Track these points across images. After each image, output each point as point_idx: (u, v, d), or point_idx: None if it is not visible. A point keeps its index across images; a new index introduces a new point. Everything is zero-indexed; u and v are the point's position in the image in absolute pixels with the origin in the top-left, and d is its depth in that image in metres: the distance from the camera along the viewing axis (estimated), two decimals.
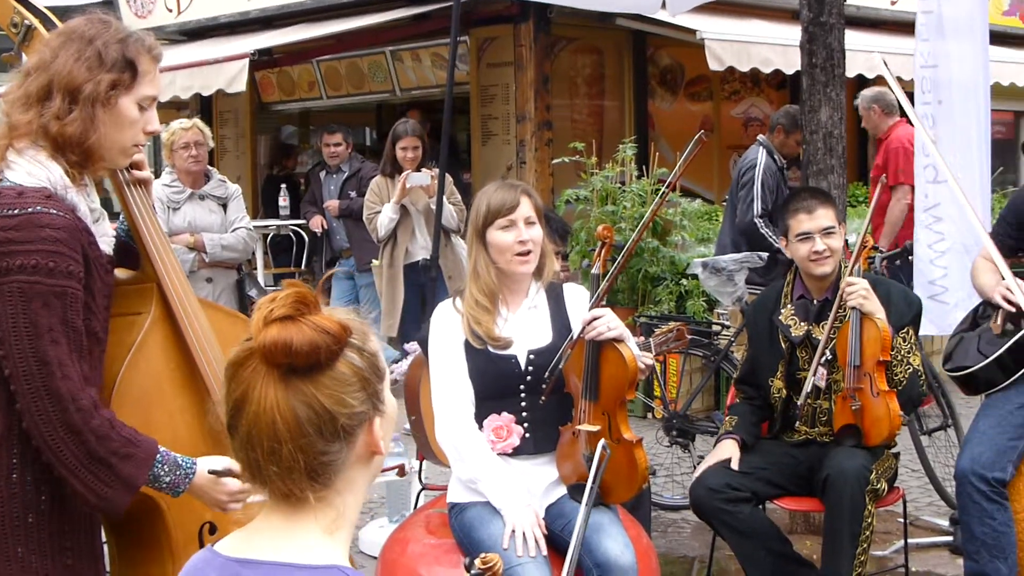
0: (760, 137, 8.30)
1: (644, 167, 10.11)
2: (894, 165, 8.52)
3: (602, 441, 3.67)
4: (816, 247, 5.00)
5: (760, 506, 5.09)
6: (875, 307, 4.86)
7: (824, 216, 5.01)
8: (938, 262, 6.66)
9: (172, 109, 13.73)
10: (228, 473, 3.01)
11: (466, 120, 12.74)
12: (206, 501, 3.06)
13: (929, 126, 6.51)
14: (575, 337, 4.15)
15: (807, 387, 4.97)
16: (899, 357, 4.91)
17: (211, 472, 3.01)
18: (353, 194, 10.04)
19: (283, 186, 12.90)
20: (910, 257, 7.52)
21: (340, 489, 1.87)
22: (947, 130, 6.68)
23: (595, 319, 4.10)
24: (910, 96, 6.24)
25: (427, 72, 12.89)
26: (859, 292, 4.84)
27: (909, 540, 5.82)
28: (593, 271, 4.27)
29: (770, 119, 8.54)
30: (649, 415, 8.90)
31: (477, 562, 2.45)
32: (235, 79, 11.62)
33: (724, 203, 9.78)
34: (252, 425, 1.80)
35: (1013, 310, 4.93)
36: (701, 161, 13.45)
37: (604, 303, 4.23)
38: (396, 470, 6.14)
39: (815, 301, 5.11)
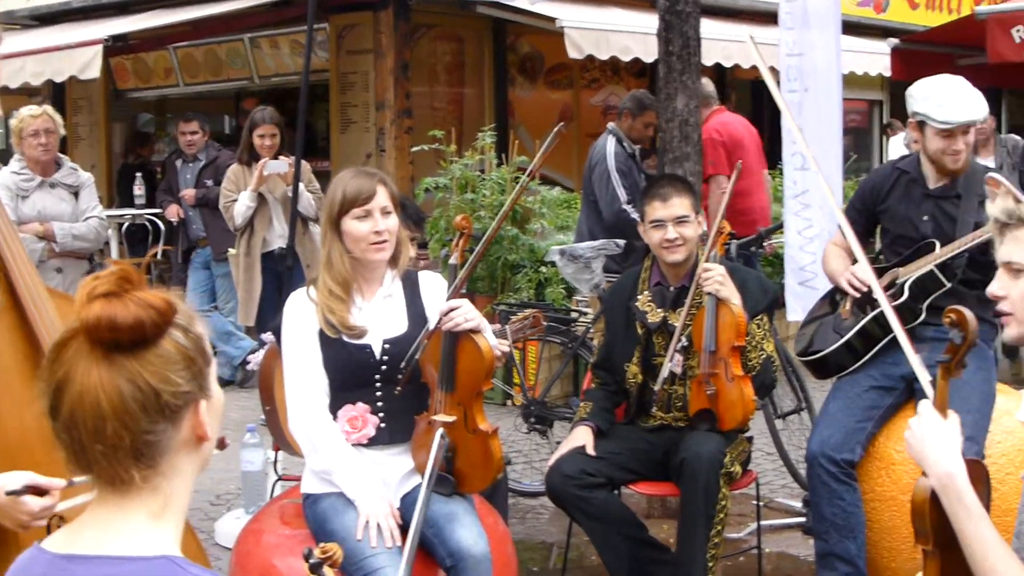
0: (609, 125, 8.32)
1: (504, 155, 10.10)
2: (705, 157, 8.61)
3: (440, 429, 3.65)
4: (668, 235, 5.02)
5: (615, 491, 5.09)
6: (731, 293, 4.89)
7: (679, 205, 5.03)
8: (807, 248, 6.75)
9: (23, 96, 13.35)
10: (27, 491, 2.88)
11: (325, 108, 12.61)
12: (7, 522, 2.92)
13: (796, 114, 6.59)
14: (431, 328, 4.11)
15: (663, 373, 4.99)
16: (753, 343, 4.95)
17: (9, 493, 2.87)
18: (210, 183, 9.88)
19: (138, 175, 12.65)
20: (764, 244, 7.62)
21: (166, 472, 1.84)
22: (813, 118, 6.77)
23: (452, 310, 4.06)
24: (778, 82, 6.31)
25: (286, 59, 12.73)
26: (715, 278, 4.87)
27: (763, 522, 5.91)
28: (451, 261, 4.23)
29: (620, 106, 8.55)
30: (508, 402, 8.90)
31: (316, 551, 2.42)
32: (88, 65, 11.36)
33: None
34: (75, 405, 1.76)
35: (859, 295, 5.01)
36: (560, 149, 13.38)
37: (463, 293, 4.20)
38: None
39: (672, 287, 5.13)
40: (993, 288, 2.70)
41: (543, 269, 9.29)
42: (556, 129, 4.35)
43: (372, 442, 4.12)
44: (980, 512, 2.59)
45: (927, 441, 2.68)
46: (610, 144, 8.06)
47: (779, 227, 8.13)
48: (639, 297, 5.16)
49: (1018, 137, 7.97)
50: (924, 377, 3.85)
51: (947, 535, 2.64)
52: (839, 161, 6.90)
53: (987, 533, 2.56)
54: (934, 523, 2.66)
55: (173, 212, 10.38)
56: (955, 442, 2.67)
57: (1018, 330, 2.67)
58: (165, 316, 1.80)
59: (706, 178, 8.25)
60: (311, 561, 2.22)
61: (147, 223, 12.26)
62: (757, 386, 4.96)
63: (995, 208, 2.67)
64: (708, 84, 8.70)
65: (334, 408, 4.13)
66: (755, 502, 5.56)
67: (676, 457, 4.84)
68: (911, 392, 4.92)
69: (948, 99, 4.89)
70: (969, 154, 5.04)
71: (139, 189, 12.27)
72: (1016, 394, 5.19)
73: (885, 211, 5.21)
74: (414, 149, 10.43)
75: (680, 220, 5.02)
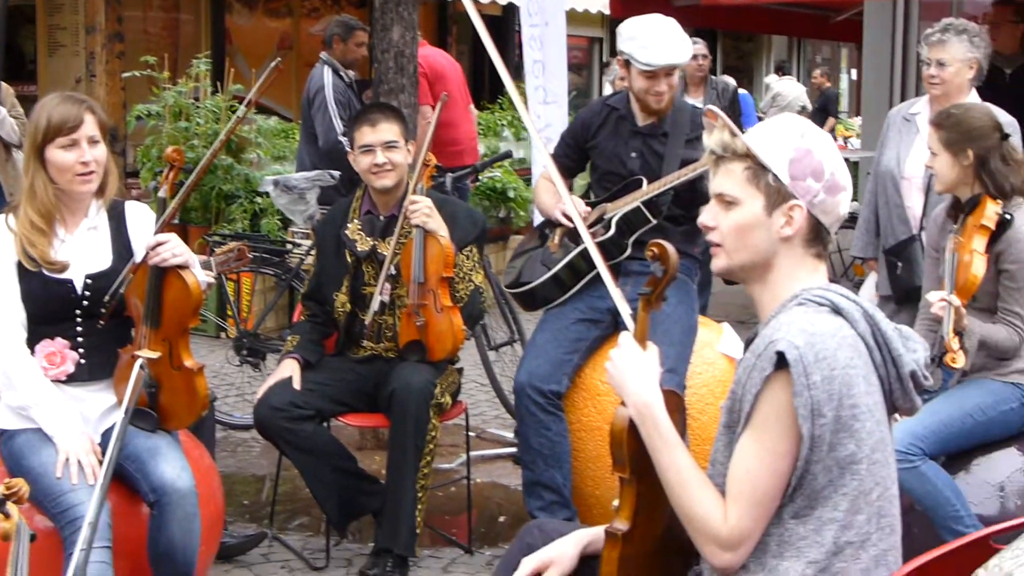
0: (322, 55, 8.17)
1: (219, 83, 9.83)
2: None
3: (139, 361, 3.54)
4: (376, 159, 4.97)
5: (325, 423, 5.04)
6: (437, 225, 4.89)
7: (387, 130, 4.99)
8: None
9: None
10: None
11: (33, 30, 11.98)
12: None
13: (537, 48, 6.60)
14: (137, 261, 3.95)
15: (373, 304, 4.97)
16: (462, 274, 4.97)
17: None
18: None
19: None
20: (479, 176, 7.66)
21: None
22: (554, 52, 6.80)
23: (160, 244, 3.91)
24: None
25: None
26: (422, 210, 4.86)
27: (474, 452, 5.95)
28: (160, 194, 4.05)
29: (324, 34, 8.41)
30: (222, 334, 8.71)
31: (0, 488, 2.32)
32: None
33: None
34: None
35: (571, 226, 5.08)
36: (279, 79, 13.14)
37: (173, 224, 4.05)
38: None
39: (381, 217, 5.09)
40: (704, 218, 2.73)
41: (258, 200, 9.11)
42: (273, 64, 4.25)
43: (71, 378, 3.96)
44: (676, 440, 2.64)
45: (626, 372, 2.72)
46: (327, 75, 7.93)
47: (498, 159, 8.19)
48: (349, 225, 5.10)
49: (730, 79, 8.19)
50: (624, 310, 3.92)
51: (644, 463, 2.67)
52: (565, 97, 6.98)
53: (682, 461, 2.62)
54: (631, 451, 2.69)
55: None
56: (653, 373, 2.71)
57: (726, 261, 2.71)
58: None
59: None
60: None
61: None
62: (466, 317, 4.98)
63: (711, 140, 2.69)
64: None
65: (32, 343, 3.94)
66: (467, 432, 5.59)
67: (386, 388, 4.82)
68: (617, 325, 4.98)
69: (653, 41, 4.94)
70: (673, 95, 5.13)
71: None
72: (717, 327, 5.35)
73: (595, 147, 5.25)
74: (126, 75, 10.02)
75: (389, 145, 4.98)
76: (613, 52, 17.49)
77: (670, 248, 2.73)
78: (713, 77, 7.83)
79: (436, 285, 4.89)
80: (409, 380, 4.77)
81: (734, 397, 2.60)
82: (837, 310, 2.57)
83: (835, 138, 4.59)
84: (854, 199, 3.84)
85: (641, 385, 2.69)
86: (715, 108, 2.75)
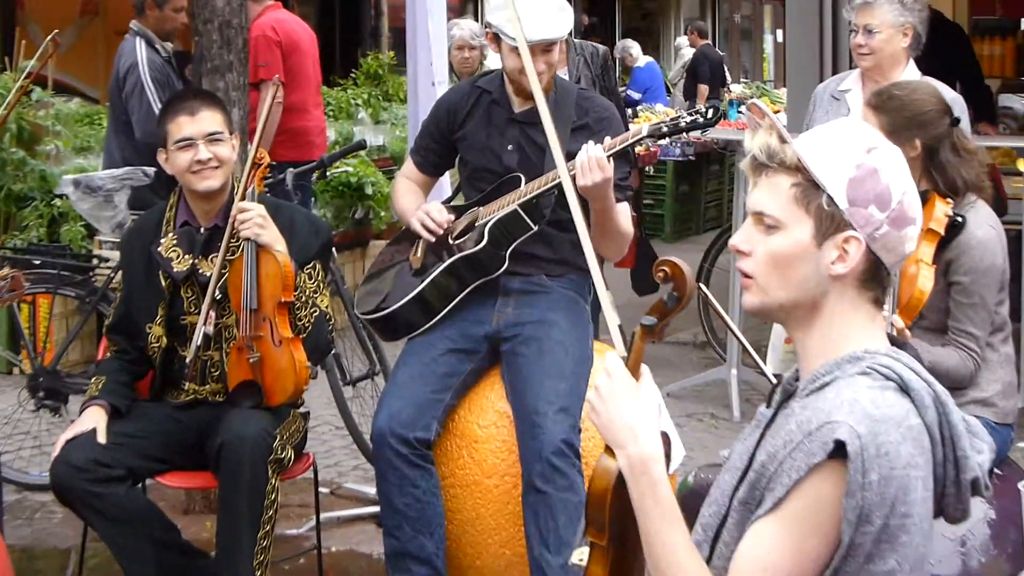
0: (133, 24, 8.02)
1: (7, 58, 9.75)
2: (255, 58, 8.47)
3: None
4: (199, 155, 4.91)
5: (139, 485, 4.97)
6: (273, 238, 4.85)
7: (210, 119, 4.95)
8: None
9: None
10: None
11: None
12: None
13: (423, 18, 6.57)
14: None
15: (197, 336, 4.91)
16: (304, 298, 4.93)
17: None
18: None
19: None
20: (327, 172, 7.57)
21: None
22: (436, 4, 6.75)
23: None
24: None
25: None
26: (253, 220, 4.81)
27: (328, 513, 5.89)
28: None
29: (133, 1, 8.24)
30: (14, 370, 8.54)
31: None
32: None
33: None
34: None
35: (432, 238, 5.01)
36: (82, 51, 12.98)
37: None
38: None
39: (202, 229, 5.03)
40: (737, 240, 2.62)
41: (57, 202, 8.97)
42: (48, 38, 4.10)
43: None
44: (672, 510, 2.54)
45: (620, 409, 2.60)
46: (140, 49, 7.79)
47: (351, 150, 8.10)
48: (162, 241, 5.02)
49: (598, 44, 8.14)
50: (614, 319, 3.68)
51: (625, 528, 2.60)
52: (445, 74, 6.91)
53: (677, 538, 2.53)
54: (614, 514, 2.60)
55: None
56: (652, 414, 2.61)
57: (759, 297, 2.59)
58: None
59: (255, 83, 8.08)
60: None
61: None
62: (310, 350, 4.94)
63: (754, 142, 2.59)
64: None
65: None
66: (316, 490, 5.49)
67: (214, 440, 4.74)
68: (495, 356, 5.00)
69: (526, 10, 4.87)
70: (553, 75, 5.08)
71: None
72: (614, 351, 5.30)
73: (464, 138, 5.22)
74: None
75: (212, 137, 4.92)
76: None
77: (686, 268, 2.65)
78: (577, 41, 7.75)
79: (273, 312, 4.84)
80: (241, 431, 4.69)
81: (762, 471, 2.49)
82: (905, 389, 2.49)
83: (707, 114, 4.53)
84: None
85: (639, 430, 2.58)
86: (761, 103, 2.65)
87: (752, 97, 18.12)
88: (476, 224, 5.03)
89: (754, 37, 30.79)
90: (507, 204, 4.96)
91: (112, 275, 6.88)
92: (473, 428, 5.00)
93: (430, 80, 6.72)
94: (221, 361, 4.98)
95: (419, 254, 5.15)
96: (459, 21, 9.18)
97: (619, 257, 5.41)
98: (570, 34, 5.37)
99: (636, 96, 18.09)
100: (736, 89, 19.17)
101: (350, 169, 10.63)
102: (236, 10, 6.21)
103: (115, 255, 7.40)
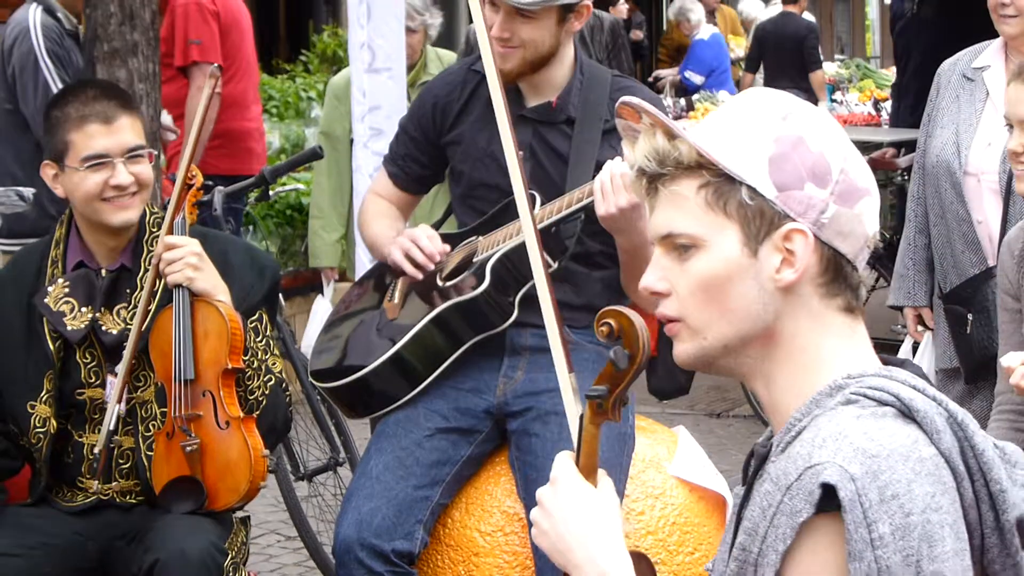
0: None
1: None
2: (182, 33, 8.56)
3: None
4: (118, 178, 4.94)
5: None
6: (212, 284, 4.91)
7: (129, 130, 4.99)
8: None
9: None
10: None
11: None
12: None
13: None
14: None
15: (109, 417, 4.93)
16: (255, 363, 4.98)
17: None
18: None
19: None
20: (271, 190, 7.63)
21: None
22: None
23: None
24: None
25: None
26: (185, 261, 4.86)
27: None
28: None
29: None
30: None
31: None
32: None
33: None
34: None
35: (419, 276, 5.05)
36: None
37: None
38: None
39: (103, 271, 5.06)
40: (648, 281, 2.67)
41: None
42: None
43: None
44: None
45: (569, 525, 2.69)
46: (35, 14, 7.87)
47: (303, 160, 8.17)
48: (49, 289, 5.05)
49: (602, 13, 8.17)
50: (575, 414, 3.64)
51: None
52: (401, 61, 7.00)
53: None
54: None
55: None
56: (612, 524, 2.69)
57: (695, 344, 2.64)
58: None
59: (183, 66, 8.20)
60: None
61: None
62: (265, 431, 4.98)
63: (636, 153, 2.65)
64: None
65: None
66: None
67: (139, 558, 4.76)
68: (501, 437, 5.06)
69: None
70: (540, 51, 5.04)
71: None
72: (667, 432, 5.38)
73: (456, 142, 5.26)
74: None
75: (134, 154, 4.97)
76: None
77: (635, 319, 2.70)
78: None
79: (216, 383, 4.89)
80: (184, 545, 4.70)
81: (745, 558, 2.51)
82: (908, 413, 2.50)
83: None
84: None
85: (594, 547, 2.66)
86: (632, 100, 2.71)
87: (849, 79, 18.16)
88: (475, 260, 5.06)
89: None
90: (517, 233, 4.95)
91: None
92: (473, 536, 5.04)
93: (366, 66, 6.87)
94: (135, 449, 5.00)
95: (397, 299, 5.18)
96: None
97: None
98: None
99: (697, 80, 17.79)
100: (830, 70, 18.92)
101: (301, 187, 10.62)
102: None
103: None
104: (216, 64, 5.38)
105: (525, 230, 4.32)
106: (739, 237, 2.58)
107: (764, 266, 2.57)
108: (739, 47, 20.98)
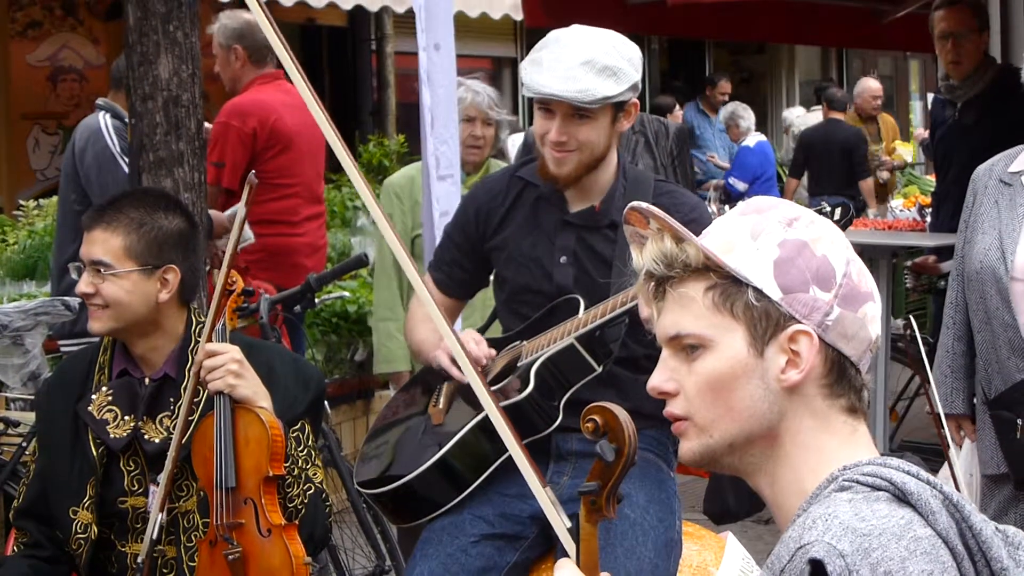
0: (100, 101, 8.22)
1: None
2: (219, 154, 8.55)
3: None
4: (79, 286, 5.03)
5: None
6: (253, 391, 4.89)
7: (101, 243, 5.00)
8: None
9: None
10: None
11: None
12: None
13: (426, 86, 6.70)
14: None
15: (152, 526, 4.91)
16: (295, 471, 4.96)
17: None
18: None
19: None
20: (315, 298, 7.63)
21: None
22: (441, 94, 6.88)
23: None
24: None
25: None
26: (226, 368, 4.85)
27: None
28: None
29: (112, 71, 8.44)
30: None
31: None
32: None
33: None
34: None
35: (466, 380, 5.02)
36: None
37: None
38: None
39: (147, 380, 5.07)
40: (656, 381, 2.75)
41: None
42: None
43: None
44: None
45: None
46: (104, 119, 7.99)
47: (348, 268, 8.17)
48: (93, 396, 5.07)
49: (666, 120, 8.17)
50: (559, 523, 3.72)
51: None
52: (457, 166, 7.02)
53: None
54: None
55: None
56: None
57: (702, 442, 2.71)
58: None
59: (227, 189, 8.25)
60: None
61: None
62: (306, 538, 4.95)
63: (645, 257, 2.73)
64: (246, 24, 8.64)
65: None
66: None
67: None
68: (547, 542, 5.02)
69: (547, 54, 4.96)
70: (588, 157, 5.07)
71: None
72: (714, 537, 5.34)
73: (500, 248, 5.29)
74: None
75: (97, 267, 4.97)
76: None
77: (620, 413, 2.77)
78: (641, 114, 7.61)
79: (258, 491, 4.86)
80: None
81: None
82: (902, 496, 2.55)
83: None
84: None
85: None
86: (641, 204, 2.76)
87: (895, 188, 18.14)
88: (519, 364, 5.06)
89: (898, 103, 30.83)
90: (561, 337, 4.97)
91: (24, 444, 6.95)
92: None
93: (433, 172, 6.87)
94: (178, 559, 4.98)
95: (442, 404, 5.18)
96: (467, 81, 8.10)
97: None
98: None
99: (740, 187, 17.79)
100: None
101: (347, 294, 10.62)
102: (186, 82, 6.29)
103: (27, 417, 7.49)
104: (252, 176, 5.30)
105: (465, 370, 4.48)
106: (746, 338, 2.68)
107: (770, 366, 2.67)
108: (907, 152, 20.92)
